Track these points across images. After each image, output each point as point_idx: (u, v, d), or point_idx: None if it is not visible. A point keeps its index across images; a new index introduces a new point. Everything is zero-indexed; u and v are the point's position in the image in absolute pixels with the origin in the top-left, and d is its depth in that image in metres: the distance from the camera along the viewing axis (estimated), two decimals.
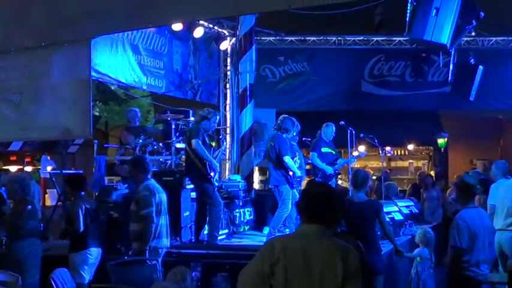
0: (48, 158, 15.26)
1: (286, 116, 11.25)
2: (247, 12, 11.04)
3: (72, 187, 8.75)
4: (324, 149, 12.17)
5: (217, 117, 10.83)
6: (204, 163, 9.84)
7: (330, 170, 12.12)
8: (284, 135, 10.98)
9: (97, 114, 21.55)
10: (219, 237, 10.31)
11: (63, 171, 13.08)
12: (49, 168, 14.94)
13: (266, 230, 11.43)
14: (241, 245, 10.68)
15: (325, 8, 12.60)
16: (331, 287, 3.89)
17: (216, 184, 10.18)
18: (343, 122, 12.72)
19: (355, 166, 14.44)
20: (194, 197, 10.95)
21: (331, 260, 3.92)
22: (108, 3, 8.63)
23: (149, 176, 8.25)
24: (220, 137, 14.56)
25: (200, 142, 9.82)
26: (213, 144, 11.43)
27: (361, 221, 8.15)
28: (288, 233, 10.91)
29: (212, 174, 9.98)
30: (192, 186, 10.71)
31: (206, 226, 10.25)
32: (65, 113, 9.31)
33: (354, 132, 11.96)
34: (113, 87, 18.53)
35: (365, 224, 8.20)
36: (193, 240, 10.34)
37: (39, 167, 15.59)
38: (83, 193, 8.62)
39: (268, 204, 12.64)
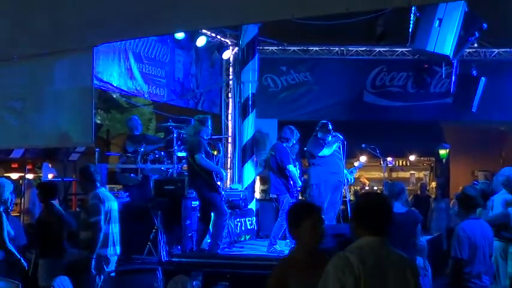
0: (50, 165, 15.28)
1: (286, 125, 11.28)
2: (250, 21, 11.02)
3: (43, 195, 8.77)
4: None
5: (210, 121, 10.79)
6: (210, 173, 9.81)
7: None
8: (284, 145, 10.99)
9: (99, 122, 21.61)
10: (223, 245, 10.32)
11: (65, 179, 13.09)
12: (50, 176, 14.95)
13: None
14: (242, 254, 10.66)
15: (327, 18, 12.62)
16: None
17: (223, 193, 10.14)
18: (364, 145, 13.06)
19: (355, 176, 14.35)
20: (195, 206, 10.95)
21: (403, 271, 3.99)
22: (111, 11, 8.65)
23: (98, 185, 8.24)
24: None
25: (204, 156, 9.78)
26: (215, 152, 11.43)
27: (399, 231, 8.23)
28: (289, 241, 10.93)
29: (219, 183, 9.94)
30: (193, 195, 10.71)
31: (208, 235, 10.24)
32: (67, 121, 9.31)
33: (346, 143, 11.90)
34: (114, 96, 18.57)
35: (403, 234, 8.33)
36: (194, 249, 10.32)
37: (41, 175, 15.59)
38: (54, 201, 8.65)
39: (270, 213, 12.64)
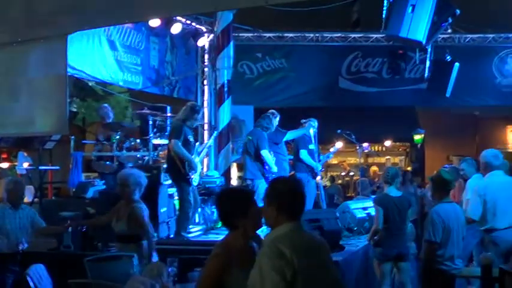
0: (25, 154, 15.16)
1: (266, 114, 11.36)
2: (225, 8, 10.99)
3: None
4: (311, 146, 12.25)
5: (201, 111, 10.82)
6: (183, 162, 9.80)
7: (318, 167, 12.22)
8: (261, 130, 11.08)
9: (74, 110, 21.48)
10: (195, 233, 10.31)
11: (40, 168, 13.02)
12: (26, 165, 14.84)
13: None
14: (219, 240, 10.67)
15: (303, 5, 12.68)
16: (335, 274, 4.00)
17: (195, 184, 10.11)
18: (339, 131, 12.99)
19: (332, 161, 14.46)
20: (171, 193, 10.97)
21: (325, 251, 4.03)
22: None
23: None
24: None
25: (180, 143, 9.73)
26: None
27: (397, 214, 8.70)
28: (265, 228, 10.97)
29: (191, 173, 9.91)
30: (169, 182, 10.72)
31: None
32: (41, 109, 9.26)
33: (320, 128, 12.01)
34: (90, 84, 18.43)
35: (401, 217, 8.74)
36: (170, 236, 10.33)
37: (16, 164, 15.49)
38: None
39: None
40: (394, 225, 8.68)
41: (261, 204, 4.20)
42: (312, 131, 12.04)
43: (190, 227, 10.37)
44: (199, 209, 10.96)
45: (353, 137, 14.00)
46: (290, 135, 11.91)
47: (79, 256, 8.05)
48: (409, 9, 10.53)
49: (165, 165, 10.86)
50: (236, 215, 4.49)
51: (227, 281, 4.30)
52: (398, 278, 9.01)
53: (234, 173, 17.39)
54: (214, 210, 11.90)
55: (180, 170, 9.80)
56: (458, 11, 11.62)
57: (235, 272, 4.29)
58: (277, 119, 11.56)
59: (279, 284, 3.67)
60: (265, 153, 10.85)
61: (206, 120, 15.69)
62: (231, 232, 4.58)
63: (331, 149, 13.90)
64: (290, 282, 3.68)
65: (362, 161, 19.72)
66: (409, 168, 22.61)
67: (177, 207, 10.84)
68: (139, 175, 7.79)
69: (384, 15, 11.95)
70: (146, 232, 7.54)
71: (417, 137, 21.40)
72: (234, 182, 16.51)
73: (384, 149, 23.57)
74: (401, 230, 8.79)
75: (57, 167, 14.65)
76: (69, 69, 9.81)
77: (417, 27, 10.54)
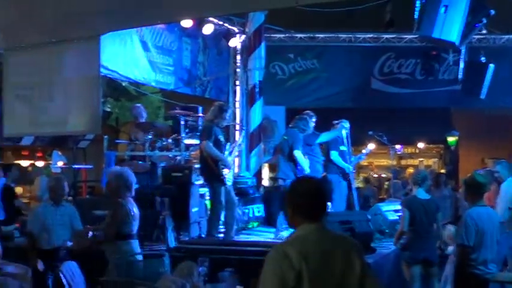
0: (59, 153, 15.37)
1: (301, 115, 11.38)
2: (256, 9, 11.05)
3: None
4: (342, 148, 12.23)
5: (230, 111, 10.86)
6: (216, 162, 9.84)
7: (349, 168, 12.20)
8: (297, 131, 11.09)
9: (108, 110, 21.66)
10: (220, 234, 10.32)
11: (74, 166, 13.17)
12: (60, 164, 15.05)
13: None
14: (249, 241, 10.71)
15: (335, 6, 12.66)
16: (355, 277, 3.76)
17: (229, 183, 10.12)
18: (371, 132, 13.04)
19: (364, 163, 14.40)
20: (202, 193, 11.02)
21: (347, 253, 3.80)
22: (117, 0, 8.71)
23: None
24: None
25: (211, 143, 9.78)
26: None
27: (425, 217, 8.64)
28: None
29: (226, 172, 9.93)
30: (200, 182, 10.78)
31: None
32: (75, 109, 9.39)
33: (348, 132, 11.98)
34: (124, 84, 18.59)
35: (428, 219, 8.67)
36: (201, 236, 10.38)
37: (51, 162, 15.69)
38: None
39: (277, 200, 12.68)
40: (421, 228, 8.61)
41: None
42: (344, 132, 12.01)
43: (221, 227, 10.38)
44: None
45: (385, 138, 13.92)
46: (323, 137, 11.88)
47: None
48: (442, 9, 10.45)
49: (197, 166, 10.91)
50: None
51: None
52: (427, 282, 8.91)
53: (266, 173, 17.42)
54: (246, 210, 11.97)
55: (213, 170, 9.83)
56: (492, 12, 11.51)
57: None
58: (314, 120, 11.57)
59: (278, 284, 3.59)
60: (298, 154, 10.84)
61: (238, 120, 15.72)
62: None
63: (363, 151, 13.85)
64: (292, 287, 3.59)
65: (394, 163, 19.59)
66: (442, 171, 22.44)
67: (209, 207, 10.90)
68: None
69: (416, 16, 11.88)
70: None
71: (451, 139, 21.24)
72: (266, 182, 16.53)
73: (417, 151, 23.42)
74: (429, 233, 8.69)
75: (91, 166, 14.80)
76: (102, 70, 9.98)
77: (450, 28, 10.46)
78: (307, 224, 3.79)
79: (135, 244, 7.52)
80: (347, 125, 12.09)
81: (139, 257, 7.54)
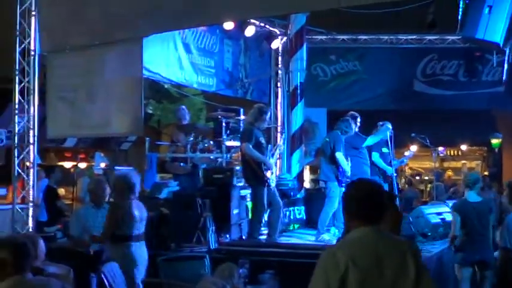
0: (102, 154, 15.53)
1: (346, 118, 11.34)
2: (298, 10, 11.07)
3: None
4: (384, 149, 12.16)
5: (269, 113, 10.87)
6: (259, 164, 9.84)
7: (390, 170, 12.13)
8: (339, 133, 11.07)
9: (150, 112, 21.86)
10: (261, 236, 10.28)
11: (116, 168, 13.28)
12: (102, 165, 15.20)
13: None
14: (290, 243, 10.69)
15: (377, 7, 12.58)
16: (409, 282, 3.71)
17: (273, 185, 10.11)
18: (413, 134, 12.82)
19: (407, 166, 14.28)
20: (243, 195, 11.03)
21: (402, 256, 3.75)
22: (160, 2, 8.79)
23: None
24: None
25: (251, 146, 9.79)
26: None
27: (477, 220, 8.55)
28: (336, 232, 10.95)
29: (269, 174, 9.93)
30: (241, 184, 10.80)
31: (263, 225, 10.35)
32: (117, 111, 9.53)
33: (397, 133, 11.88)
34: (166, 86, 18.73)
35: (481, 222, 8.55)
36: (242, 238, 10.40)
37: (93, 164, 15.86)
38: None
39: (318, 202, 12.65)
40: (473, 231, 8.51)
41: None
42: (387, 134, 11.94)
43: (263, 229, 10.39)
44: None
45: (427, 140, 13.79)
46: (370, 140, 11.82)
47: (153, 256, 8.19)
48: (486, 10, 10.30)
49: (237, 167, 10.93)
50: None
51: None
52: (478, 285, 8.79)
53: (307, 175, 17.38)
54: (287, 212, 11.95)
55: (255, 172, 9.84)
56: None
57: None
58: (358, 120, 11.55)
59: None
60: (340, 156, 10.81)
61: (279, 122, 15.71)
62: None
63: (406, 153, 13.75)
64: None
65: (437, 165, 19.37)
66: (486, 173, 22.15)
67: (250, 209, 10.92)
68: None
69: (459, 17, 11.73)
70: None
71: (495, 141, 20.94)
72: (307, 184, 16.48)
73: (459, 153, 23.17)
74: (483, 235, 8.51)
75: (133, 168, 14.92)
76: (144, 72, 10.08)
77: (494, 28, 10.31)
78: (363, 227, 3.77)
79: (136, 246, 7.44)
80: (390, 127, 12.02)
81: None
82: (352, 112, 11.82)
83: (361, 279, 3.58)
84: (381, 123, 12.14)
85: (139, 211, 7.57)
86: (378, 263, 3.66)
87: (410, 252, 3.79)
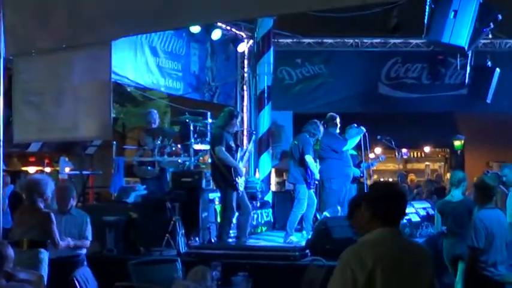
0: (67, 159, 15.41)
1: (314, 120, 11.39)
2: (266, 14, 11.08)
3: None
4: (352, 152, 12.25)
5: (240, 116, 10.89)
6: (228, 168, 9.85)
7: (357, 172, 12.24)
8: (308, 136, 11.13)
9: (114, 115, 21.68)
10: (230, 239, 10.33)
11: (84, 172, 13.20)
12: (67, 170, 15.08)
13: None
14: (260, 245, 10.74)
15: (342, 11, 12.68)
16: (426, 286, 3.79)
17: (241, 188, 10.13)
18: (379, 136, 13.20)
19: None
20: (212, 198, 11.04)
21: (419, 262, 3.82)
22: (128, 6, 8.72)
23: None
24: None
25: (224, 149, 9.80)
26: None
27: (459, 218, 8.87)
28: (305, 233, 11.02)
29: (238, 179, 9.94)
30: (210, 187, 10.81)
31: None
32: (85, 115, 9.42)
33: (367, 135, 11.97)
34: (129, 89, 18.64)
35: (455, 220, 8.91)
36: (211, 241, 10.40)
37: (58, 168, 15.73)
38: None
39: (285, 205, 12.72)
40: (450, 229, 8.93)
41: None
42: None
43: (231, 232, 10.41)
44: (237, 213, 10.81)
45: (393, 143, 13.94)
46: (350, 143, 11.83)
47: (122, 260, 8.17)
48: (451, 14, 10.45)
49: (206, 171, 10.94)
50: None
51: None
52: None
53: (273, 178, 17.44)
54: (255, 215, 11.99)
55: (224, 176, 9.85)
56: (500, 16, 11.52)
57: None
58: (337, 121, 11.60)
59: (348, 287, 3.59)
60: (309, 159, 10.89)
61: (245, 126, 15.74)
62: None
63: (373, 156, 13.86)
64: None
65: (401, 167, 19.61)
66: (448, 175, 22.42)
67: (218, 212, 10.93)
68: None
69: (425, 21, 11.88)
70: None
71: (457, 143, 21.22)
72: (273, 187, 16.54)
73: (423, 154, 23.43)
74: (458, 234, 8.75)
75: (100, 172, 14.84)
76: (112, 75, 10.00)
77: (459, 32, 10.47)
78: (384, 228, 3.79)
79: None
80: (364, 129, 12.10)
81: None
82: (332, 113, 11.90)
83: (385, 279, 3.60)
84: (355, 125, 12.20)
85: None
86: (398, 265, 3.69)
87: (427, 261, 3.87)
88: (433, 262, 3.95)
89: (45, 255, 7.32)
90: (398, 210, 3.86)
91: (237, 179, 9.82)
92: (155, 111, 12.67)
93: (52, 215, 7.53)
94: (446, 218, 8.98)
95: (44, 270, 7.14)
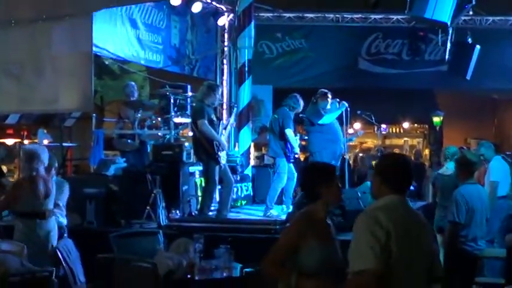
0: (45, 131, 15.28)
1: (294, 94, 11.36)
2: None
3: None
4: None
5: (220, 90, 10.85)
6: (211, 142, 9.82)
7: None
8: (288, 110, 11.13)
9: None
10: (211, 212, 10.33)
11: (64, 144, 13.12)
12: (46, 142, 14.95)
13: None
14: (240, 219, 10.80)
15: None
16: (428, 253, 4.03)
17: (223, 162, 10.11)
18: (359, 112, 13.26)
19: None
20: (193, 171, 11.04)
21: (424, 230, 4.07)
22: None
23: None
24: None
25: (206, 122, 9.75)
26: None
27: (440, 191, 9.47)
28: (285, 207, 11.06)
29: (220, 153, 9.91)
30: (191, 160, 10.80)
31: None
32: (66, 87, 9.36)
33: (349, 109, 11.95)
34: (107, 62, 18.47)
35: (443, 193, 9.32)
36: (192, 214, 10.41)
37: (36, 141, 15.60)
38: None
39: (265, 179, 12.76)
40: (439, 201, 9.45)
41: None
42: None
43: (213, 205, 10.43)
44: (219, 187, 10.81)
45: (373, 118, 13.96)
46: (327, 118, 11.71)
47: (103, 232, 8.17)
48: None
49: (186, 144, 10.91)
50: (320, 186, 4.58)
51: (302, 248, 4.42)
52: None
53: (252, 152, 17.44)
54: (234, 188, 12.00)
55: (207, 150, 9.80)
56: None
57: (312, 241, 4.42)
58: (329, 96, 11.54)
59: (375, 245, 3.74)
60: (289, 132, 10.91)
61: (225, 99, 15.71)
62: (312, 203, 4.65)
63: (352, 131, 13.88)
64: (384, 245, 3.75)
65: (380, 142, 19.70)
66: (427, 150, 22.62)
67: (199, 185, 10.93)
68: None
69: None
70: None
71: (436, 119, 21.32)
72: (252, 161, 16.55)
73: (402, 130, 23.54)
74: (444, 206, 8.84)
75: (77, 144, 14.75)
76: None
77: (442, 8, 10.49)
78: (392, 195, 4.01)
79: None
80: (346, 104, 12.04)
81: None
82: (322, 89, 11.85)
83: (399, 242, 3.79)
84: (338, 99, 12.12)
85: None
86: (409, 230, 3.90)
87: (429, 228, 4.19)
88: (431, 229, 4.29)
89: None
90: (405, 179, 4.09)
91: (219, 152, 9.80)
92: (133, 84, 12.59)
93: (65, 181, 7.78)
94: (437, 190, 9.47)
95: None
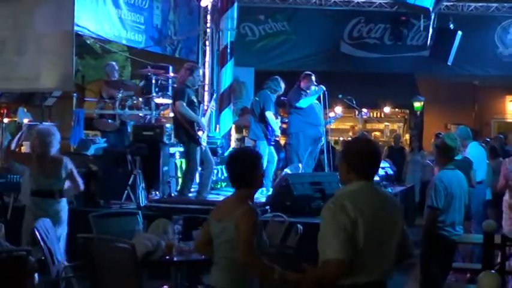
0: (25, 110, 15.17)
1: (275, 76, 11.36)
2: None
3: None
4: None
5: (200, 71, 10.82)
6: (191, 123, 9.80)
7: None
8: (269, 92, 11.13)
9: None
10: (191, 194, 10.33)
11: (44, 124, 13.03)
12: (26, 121, 14.85)
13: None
14: (220, 201, 10.77)
15: None
16: (399, 233, 4.05)
17: (204, 144, 10.09)
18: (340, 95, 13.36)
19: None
20: (173, 152, 11.02)
21: (393, 212, 4.09)
22: None
23: None
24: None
25: (184, 103, 9.70)
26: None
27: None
28: (265, 190, 11.08)
29: (200, 133, 9.90)
30: (171, 141, 10.77)
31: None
32: (47, 65, 9.34)
33: (327, 93, 11.94)
34: (88, 41, 18.36)
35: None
36: (172, 195, 10.40)
37: (16, 119, 15.50)
38: None
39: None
40: None
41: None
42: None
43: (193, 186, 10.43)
44: (199, 169, 10.80)
45: (354, 102, 13.98)
46: (303, 102, 11.66)
47: (82, 212, 8.16)
48: None
49: (167, 125, 10.88)
50: (248, 174, 4.62)
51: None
52: None
53: (233, 135, 17.45)
54: (215, 170, 12.00)
55: (188, 131, 9.79)
56: None
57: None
58: (312, 78, 11.53)
59: (339, 233, 3.78)
60: (270, 115, 10.92)
61: (207, 81, 15.67)
62: (241, 190, 4.70)
63: (330, 114, 13.88)
64: (350, 233, 3.80)
65: (360, 126, 19.78)
66: (407, 135, 22.69)
67: (179, 166, 10.92)
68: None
69: None
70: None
71: (417, 104, 21.37)
72: (233, 144, 16.55)
73: (382, 115, 23.59)
74: None
75: (57, 124, 14.65)
76: None
77: None
78: (360, 181, 4.02)
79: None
80: (324, 88, 12.02)
81: None
82: (307, 72, 11.83)
83: (367, 229, 3.84)
84: (316, 83, 12.09)
85: None
86: (376, 215, 3.94)
87: (399, 210, 4.18)
88: (403, 211, 4.25)
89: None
90: (372, 165, 4.10)
91: (199, 133, 9.79)
92: (114, 64, 12.51)
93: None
94: None
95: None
